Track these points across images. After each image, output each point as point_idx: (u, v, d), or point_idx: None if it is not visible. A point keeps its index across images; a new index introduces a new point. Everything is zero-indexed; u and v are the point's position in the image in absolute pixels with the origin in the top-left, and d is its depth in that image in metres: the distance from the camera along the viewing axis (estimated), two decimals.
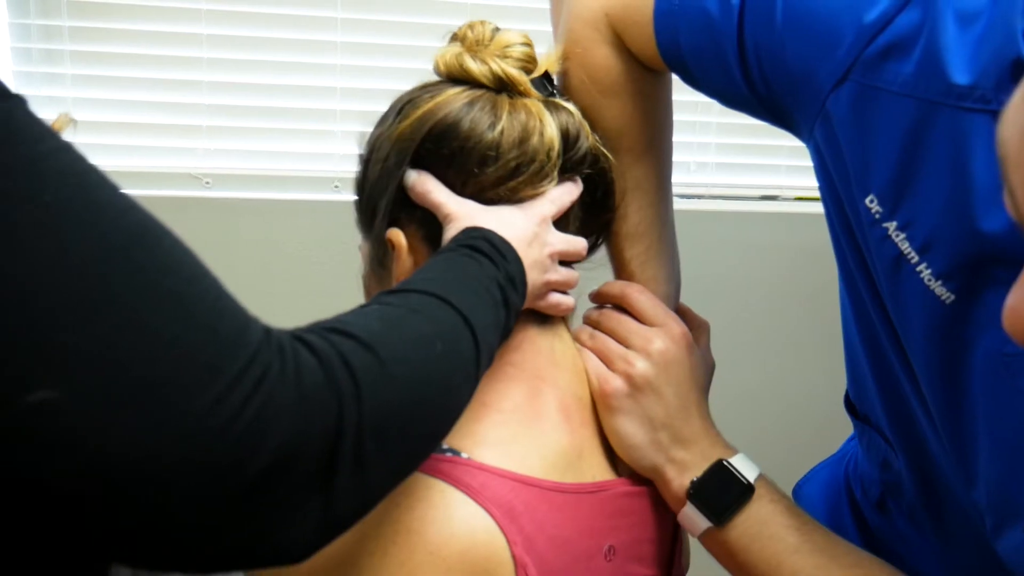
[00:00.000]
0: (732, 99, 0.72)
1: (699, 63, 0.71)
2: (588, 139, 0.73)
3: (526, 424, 0.68)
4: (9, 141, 0.33)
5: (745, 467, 0.72)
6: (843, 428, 0.94)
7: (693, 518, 0.72)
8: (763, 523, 0.70)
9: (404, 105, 0.72)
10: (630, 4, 0.73)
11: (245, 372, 0.38)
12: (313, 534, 0.42)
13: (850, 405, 0.84)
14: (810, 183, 1.70)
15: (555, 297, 0.72)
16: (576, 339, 0.78)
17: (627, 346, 0.74)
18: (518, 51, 0.72)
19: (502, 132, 0.68)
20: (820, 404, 1.66)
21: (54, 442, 0.33)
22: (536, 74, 0.73)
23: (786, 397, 1.75)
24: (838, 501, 0.92)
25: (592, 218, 0.76)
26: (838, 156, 0.62)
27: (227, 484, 0.37)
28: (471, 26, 0.73)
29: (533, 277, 0.66)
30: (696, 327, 0.82)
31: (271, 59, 1.47)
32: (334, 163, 1.50)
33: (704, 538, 0.73)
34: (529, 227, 0.67)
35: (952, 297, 0.57)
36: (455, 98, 0.69)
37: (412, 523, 0.60)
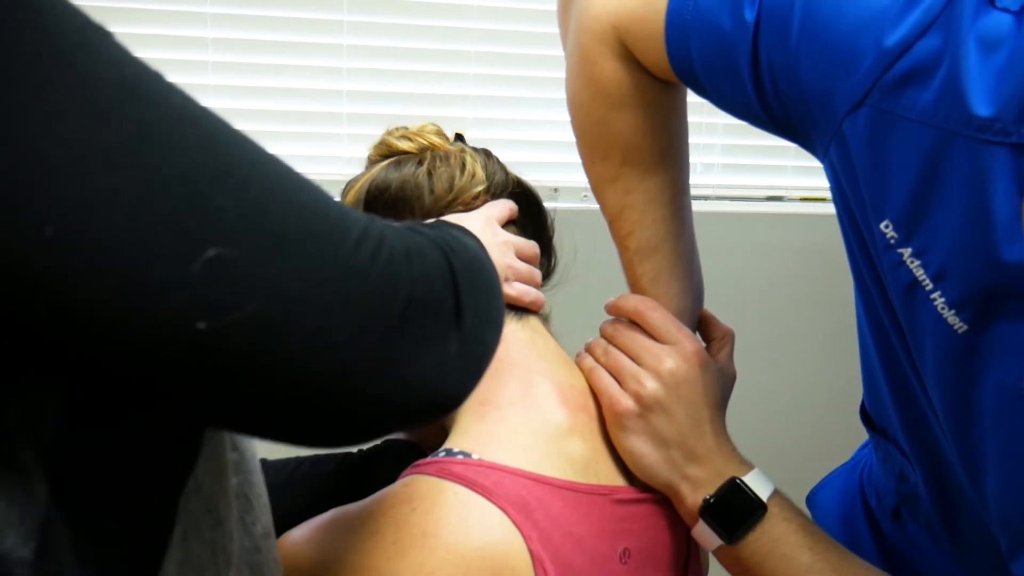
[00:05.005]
0: (745, 114, 0.71)
1: (711, 78, 0.70)
2: (504, 168, 0.84)
3: (525, 414, 0.70)
4: (132, 59, 0.39)
5: (759, 484, 0.72)
6: (850, 428, 0.94)
7: (706, 535, 0.72)
8: (776, 542, 0.70)
9: (344, 188, 0.85)
10: (640, 18, 0.72)
11: (368, 228, 0.43)
12: (456, 371, 0.47)
13: (866, 416, 0.83)
14: (815, 183, 1.71)
15: (521, 285, 0.76)
16: (591, 353, 0.79)
17: (639, 364, 0.74)
18: (431, 128, 0.85)
19: (430, 166, 0.80)
20: (826, 405, 1.66)
21: (231, 293, 0.38)
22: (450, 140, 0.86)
23: (792, 398, 1.75)
24: (853, 509, 0.93)
25: (535, 234, 0.83)
26: (853, 178, 0.61)
27: (380, 317, 0.42)
28: (387, 131, 0.86)
29: (494, 256, 0.68)
30: (719, 337, 0.83)
31: (277, 62, 1.46)
32: (341, 166, 1.50)
33: (718, 554, 0.73)
34: (478, 220, 0.75)
35: (965, 327, 0.57)
36: (384, 166, 0.82)
37: (428, 526, 0.61)
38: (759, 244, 1.68)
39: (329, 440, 0.45)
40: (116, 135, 0.36)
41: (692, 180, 0.85)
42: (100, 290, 0.35)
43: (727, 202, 1.70)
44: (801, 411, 1.75)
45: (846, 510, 0.94)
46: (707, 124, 1.64)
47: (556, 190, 1.57)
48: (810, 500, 0.99)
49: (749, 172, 1.71)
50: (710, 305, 0.87)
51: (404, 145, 0.83)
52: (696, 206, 0.85)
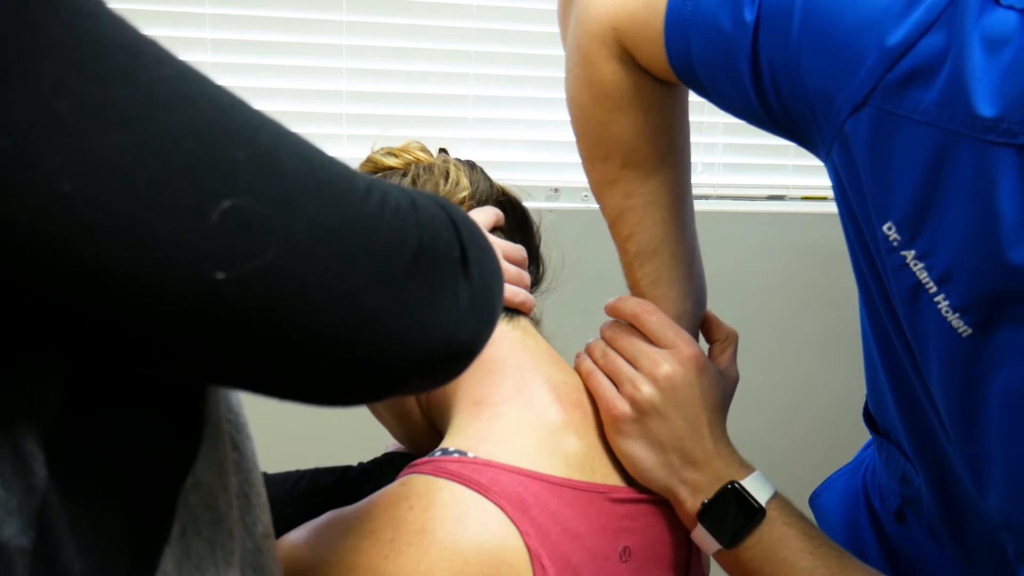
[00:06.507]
0: (747, 115, 0.71)
1: (712, 78, 0.70)
2: (488, 178, 0.86)
3: (520, 412, 0.71)
4: (131, 26, 0.40)
5: (758, 488, 0.71)
6: (853, 428, 0.93)
7: (704, 539, 0.72)
8: (774, 546, 0.70)
9: None
10: (640, 19, 0.71)
11: (373, 182, 0.44)
12: (470, 320, 0.48)
13: (870, 418, 0.83)
14: (817, 183, 1.71)
15: (510, 286, 0.77)
16: (590, 355, 0.78)
17: (636, 368, 0.74)
18: (415, 144, 0.87)
19: (414, 176, 0.82)
20: (828, 405, 1.66)
21: (249, 243, 0.39)
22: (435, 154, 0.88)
23: (794, 398, 1.75)
24: (856, 510, 0.92)
25: (522, 242, 0.84)
26: (856, 180, 0.61)
27: (394, 263, 0.43)
28: (373, 150, 0.88)
29: None
30: (722, 338, 0.83)
31: (276, 63, 1.46)
32: None
33: (717, 557, 0.73)
34: None
35: (969, 331, 0.56)
36: None
37: (426, 523, 0.62)
38: (760, 243, 1.68)
39: (350, 391, 0.45)
40: (128, 94, 0.37)
41: (693, 179, 0.85)
42: (119, 244, 0.36)
43: (728, 201, 1.69)
44: (803, 411, 1.75)
45: (850, 511, 0.93)
46: (708, 123, 1.64)
47: (556, 190, 1.57)
48: (813, 501, 0.98)
49: (750, 171, 1.70)
50: (711, 305, 0.87)
51: (390, 161, 0.85)
52: (697, 205, 0.84)
